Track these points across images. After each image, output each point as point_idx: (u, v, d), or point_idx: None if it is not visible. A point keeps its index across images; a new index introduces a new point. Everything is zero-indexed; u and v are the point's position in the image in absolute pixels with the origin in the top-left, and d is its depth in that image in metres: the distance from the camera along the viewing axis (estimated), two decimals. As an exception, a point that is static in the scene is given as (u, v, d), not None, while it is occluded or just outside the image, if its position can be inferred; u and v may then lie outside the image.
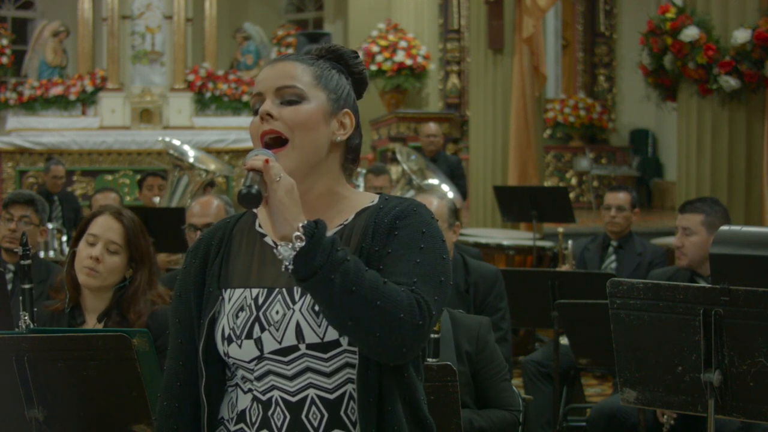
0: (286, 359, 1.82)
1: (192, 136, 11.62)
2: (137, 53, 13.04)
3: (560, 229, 6.58)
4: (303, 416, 1.82)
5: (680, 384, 2.81)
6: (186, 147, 7.58)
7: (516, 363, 5.77)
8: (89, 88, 12.81)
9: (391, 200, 1.91)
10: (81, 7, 13.02)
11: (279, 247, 1.68)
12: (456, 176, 8.88)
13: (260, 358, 1.83)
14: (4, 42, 13.14)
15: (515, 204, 7.26)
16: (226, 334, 1.85)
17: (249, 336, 1.83)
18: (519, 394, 3.56)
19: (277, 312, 1.83)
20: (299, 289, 1.83)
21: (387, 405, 1.82)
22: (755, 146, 6.32)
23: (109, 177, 12.12)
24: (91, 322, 3.11)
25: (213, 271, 1.91)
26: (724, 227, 3.13)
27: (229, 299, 1.88)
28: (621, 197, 5.86)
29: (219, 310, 1.88)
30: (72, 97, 12.77)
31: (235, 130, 12.58)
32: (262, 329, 1.83)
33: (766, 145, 6.27)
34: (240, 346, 1.83)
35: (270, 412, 1.84)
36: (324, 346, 1.81)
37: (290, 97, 1.88)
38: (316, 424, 1.82)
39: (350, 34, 14.48)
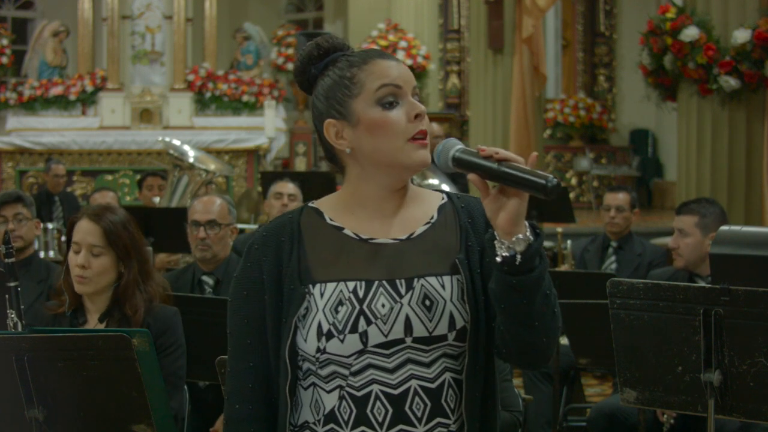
0: (388, 352, 1.81)
1: (192, 136, 11.59)
2: (137, 53, 13.03)
3: (559, 229, 6.58)
4: (407, 408, 1.81)
5: (680, 384, 2.82)
6: (186, 147, 7.58)
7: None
8: (89, 88, 12.80)
9: (460, 197, 1.95)
10: (81, 7, 13.01)
11: (514, 239, 1.71)
12: (456, 176, 8.88)
13: (361, 352, 1.80)
14: (4, 42, 13.13)
15: (515, 204, 7.24)
16: (325, 330, 1.80)
17: (354, 330, 1.79)
18: (519, 395, 3.56)
19: (383, 305, 1.81)
20: (402, 282, 1.83)
21: (488, 399, 1.87)
22: (755, 146, 6.32)
23: (109, 177, 12.11)
24: (93, 323, 3.10)
25: (291, 268, 1.85)
26: (724, 227, 3.14)
27: (321, 294, 1.82)
28: (620, 198, 5.85)
29: (308, 306, 1.83)
30: (72, 97, 12.76)
31: (235, 130, 12.56)
32: (368, 323, 1.80)
33: (766, 145, 6.28)
34: (342, 341, 1.79)
35: (368, 408, 1.81)
36: (430, 340, 1.81)
37: (417, 98, 1.88)
38: (419, 414, 1.81)
39: (350, 34, 14.48)
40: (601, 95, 14.58)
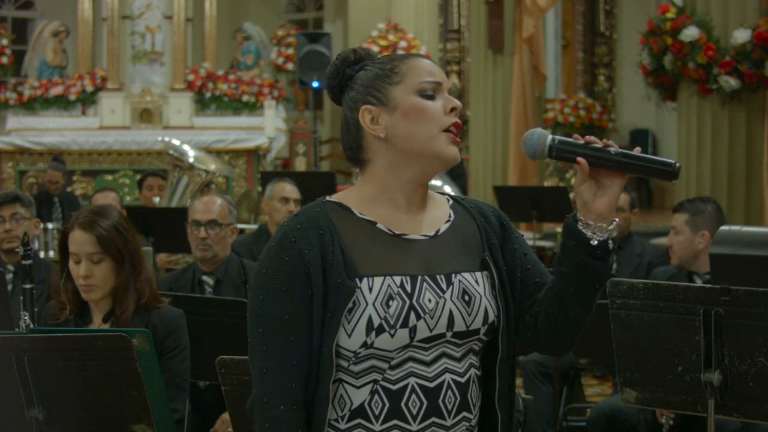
0: (427, 345, 1.83)
1: (192, 136, 11.58)
2: (137, 53, 13.03)
3: (558, 229, 6.58)
4: (440, 401, 1.83)
5: (680, 384, 2.82)
6: (186, 147, 7.57)
7: (516, 363, 5.76)
8: (89, 88, 12.79)
9: (464, 199, 2.02)
10: (81, 7, 13.01)
11: (612, 225, 1.87)
12: (456, 175, 8.89)
13: (405, 346, 1.81)
14: (4, 42, 13.13)
15: (515, 204, 7.26)
16: (376, 324, 1.78)
17: (404, 324, 1.79)
18: (519, 395, 3.56)
19: (429, 300, 1.83)
20: (442, 277, 1.86)
21: (512, 391, 1.95)
22: (755, 146, 6.32)
23: (109, 177, 12.10)
24: (98, 323, 3.10)
25: (335, 261, 1.81)
26: (724, 227, 3.14)
27: (370, 288, 1.80)
28: (620, 198, 5.84)
29: (355, 301, 1.79)
30: (72, 97, 12.75)
31: (235, 130, 12.55)
32: (418, 317, 1.81)
33: (766, 145, 6.28)
34: (392, 336, 1.79)
35: (403, 401, 1.81)
36: (465, 334, 1.86)
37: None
38: (450, 407, 1.84)
39: (350, 34, 14.48)
40: (601, 95, 14.58)
